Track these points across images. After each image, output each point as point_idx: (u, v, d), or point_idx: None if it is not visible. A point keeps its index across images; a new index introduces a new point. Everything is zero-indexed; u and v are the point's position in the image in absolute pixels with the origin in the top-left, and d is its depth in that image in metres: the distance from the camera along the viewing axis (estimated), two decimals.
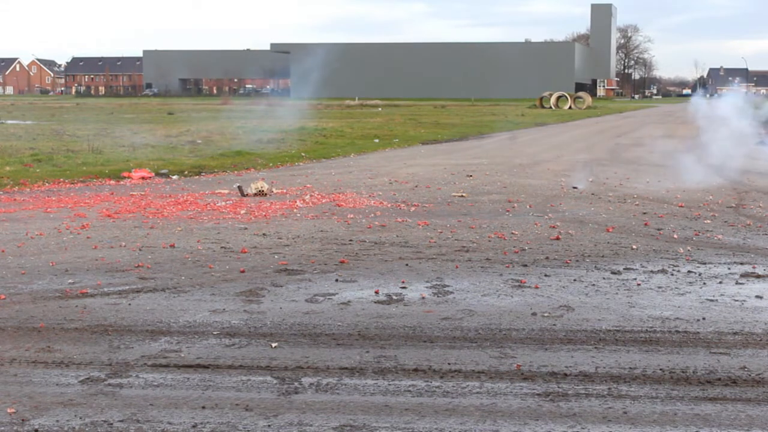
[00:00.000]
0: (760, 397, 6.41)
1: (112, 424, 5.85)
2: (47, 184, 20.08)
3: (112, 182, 20.79)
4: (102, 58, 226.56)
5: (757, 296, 9.48)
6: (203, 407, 6.15)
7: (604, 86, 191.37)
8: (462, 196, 17.92)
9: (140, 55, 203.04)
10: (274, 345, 7.62)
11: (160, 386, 6.59)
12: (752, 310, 8.88)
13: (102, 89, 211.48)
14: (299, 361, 7.16)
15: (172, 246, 12.17)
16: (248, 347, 7.56)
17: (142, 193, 18.37)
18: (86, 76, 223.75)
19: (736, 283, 10.15)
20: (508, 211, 15.74)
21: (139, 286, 9.77)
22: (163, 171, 22.80)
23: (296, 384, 6.63)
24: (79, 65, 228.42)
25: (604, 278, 10.34)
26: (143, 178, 21.51)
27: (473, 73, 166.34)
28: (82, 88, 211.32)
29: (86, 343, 7.66)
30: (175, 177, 22.07)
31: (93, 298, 9.23)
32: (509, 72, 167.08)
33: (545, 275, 10.46)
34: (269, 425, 5.85)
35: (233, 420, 5.93)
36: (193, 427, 5.82)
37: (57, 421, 5.89)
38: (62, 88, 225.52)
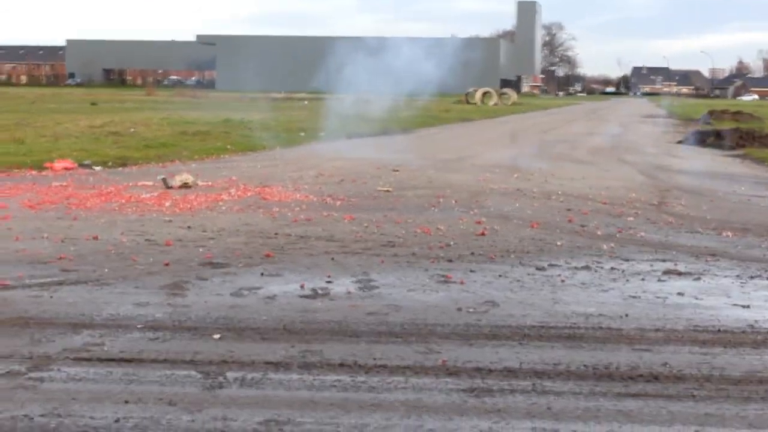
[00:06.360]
0: (681, 393, 6.50)
1: (32, 418, 5.77)
2: None
3: (34, 172, 20.47)
4: (24, 46, 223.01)
5: (678, 293, 9.61)
6: (126, 401, 6.09)
7: (528, 83, 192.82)
8: (387, 190, 17.90)
9: (63, 44, 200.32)
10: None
11: (82, 380, 6.51)
12: (674, 307, 9.00)
13: (24, 78, 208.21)
14: (224, 355, 7.12)
15: (96, 238, 12.01)
16: (172, 341, 7.49)
17: (65, 184, 18.12)
18: (7, 65, 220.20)
19: (659, 280, 10.28)
20: (433, 206, 15.76)
21: (62, 279, 9.64)
22: (87, 162, 22.49)
23: (221, 378, 6.58)
24: None
25: (528, 274, 10.41)
26: (66, 168, 21.20)
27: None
28: (3, 77, 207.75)
29: (6, 336, 7.53)
30: (98, 168, 21.79)
31: (14, 290, 9.08)
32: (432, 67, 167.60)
33: (471, 271, 10.50)
34: (193, 420, 5.80)
35: (157, 414, 5.87)
36: (116, 421, 5.75)
37: None
38: None
